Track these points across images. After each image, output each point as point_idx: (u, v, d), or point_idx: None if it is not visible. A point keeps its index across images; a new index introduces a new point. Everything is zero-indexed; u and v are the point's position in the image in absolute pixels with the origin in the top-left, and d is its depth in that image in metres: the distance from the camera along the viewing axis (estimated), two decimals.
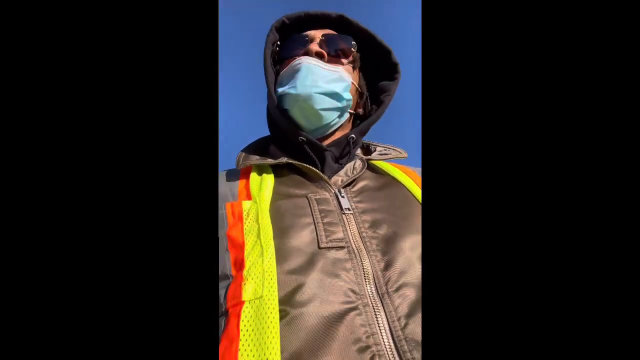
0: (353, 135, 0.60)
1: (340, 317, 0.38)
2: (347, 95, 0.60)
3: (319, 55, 0.59)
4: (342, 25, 0.65)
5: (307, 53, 0.59)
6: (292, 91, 0.56)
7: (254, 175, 0.55)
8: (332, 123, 0.60)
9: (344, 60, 0.62)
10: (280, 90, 0.58)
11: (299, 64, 0.57)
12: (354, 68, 0.64)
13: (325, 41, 0.61)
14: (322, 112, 0.57)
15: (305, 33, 0.64)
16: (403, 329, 0.38)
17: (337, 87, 0.58)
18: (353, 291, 0.41)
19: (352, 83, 0.62)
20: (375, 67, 0.67)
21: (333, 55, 0.61)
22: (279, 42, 0.64)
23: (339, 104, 0.59)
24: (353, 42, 0.63)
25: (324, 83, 0.57)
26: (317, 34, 0.62)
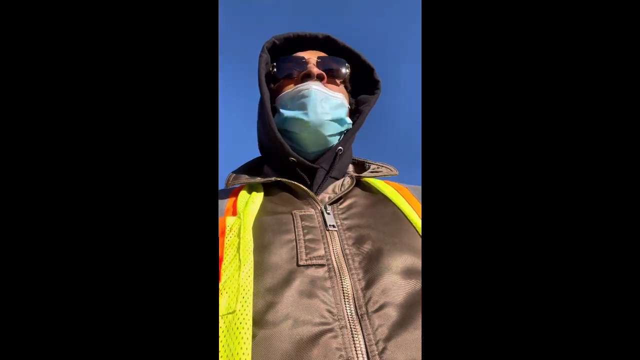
0: (340, 147, 0.61)
1: (314, 339, 0.36)
2: (348, 120, 0.62)
3: (319, 78, 0.60)
4: (329, 45, 0.67)
5: (309, 75, 0.60)
6: (303, 117, 0.57)
7: (243, 193, 0.55)
8: (332, 145, 0.61)
9: (338, 82, 0.64)
10: (286, 113, 0.59)
11: (307, 89, 0.58)
12: (346, 88, 0.66)
13: (322, 63, 0.63)
14: (330, 138, 0.59)
15: (299, 54, 0.65)
16: (380, 353, 0.36)
17: (342, 113, 0.60)
18: (330, 312, 0.39)
19: (349, 107, 0.64)
20: (358, 83, 0.69)
21: (330, 76, 0.62)
22: (271, 63, 0.66)
23: (341, 129, 0.61)
24: (346, 65, 0.65)
25: (332, 109, 0.59)
26: (311, 56, 0.64)
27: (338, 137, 0.61)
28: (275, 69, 0.64)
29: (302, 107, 0.58)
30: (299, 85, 0.60)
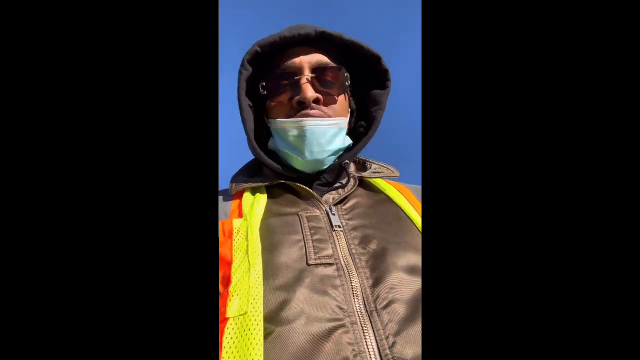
0: (347, 161, 0.60)
1: (327, 334, 0.37)
2: (347, 141, 0.60)
3: (315, 102, 0.56)
4: (324, 41, 0.60)
5: (303, 102, 0.55)
6: (299, 157, 0.56)
7: (247, 195, 0.55)
8: (330, 164, 0.60)
9: (337, 96, 0.59)
10: (280, 145, 0.58)
11: (302, 126, 0.55)
12: (345, 92, 0.61)
13: (316, 78, 0.57)
14: (326, 166, 0.59)
15: (290, 63, 0.58)
16: (391, 347, 0.37)
17: (339, 142, 0.58)
18: (341, 308, 0.40)
19: (349, 114, 0.62)
20: (365, 75, 0.63)
21: (326, 93, 0.58)
22: (256, 67, 0.60)
23: (340, 152, 0.60)
24: (345, 73, 0.59)
25: (328, 143, 0.56)
26: (303, 65, 0.57)
27: (336, 157, 0.60)
28: (265, 91, 0.59)
29: (298, 146, 0.56)
30: (294, 119, 0.56)
